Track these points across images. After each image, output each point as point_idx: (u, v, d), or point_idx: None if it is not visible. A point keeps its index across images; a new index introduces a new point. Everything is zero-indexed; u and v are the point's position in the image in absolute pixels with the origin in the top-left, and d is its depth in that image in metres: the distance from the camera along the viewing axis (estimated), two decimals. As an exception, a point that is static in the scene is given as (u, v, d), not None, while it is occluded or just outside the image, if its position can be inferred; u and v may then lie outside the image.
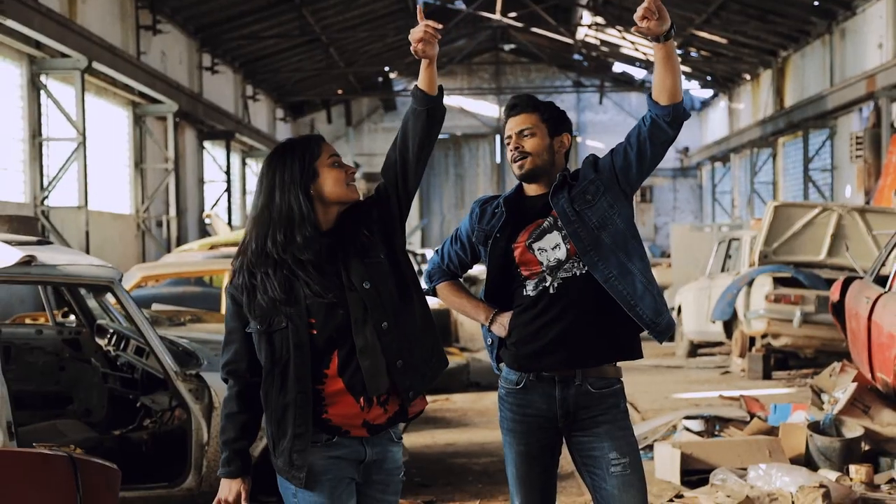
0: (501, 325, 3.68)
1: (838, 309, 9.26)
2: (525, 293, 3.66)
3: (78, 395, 6.98)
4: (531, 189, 3.76)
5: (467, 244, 3.87)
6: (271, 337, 3.18)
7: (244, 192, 27.82)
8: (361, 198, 3.43)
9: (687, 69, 32.50)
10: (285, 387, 3.16)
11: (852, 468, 6.73)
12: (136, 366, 6.53)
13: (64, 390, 6.96)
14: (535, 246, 3.65)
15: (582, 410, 3.60)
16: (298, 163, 3.27)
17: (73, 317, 7.50)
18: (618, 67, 35.55)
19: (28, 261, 5.51)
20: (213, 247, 15.58)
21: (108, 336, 6.89)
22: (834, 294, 9.43)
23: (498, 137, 37.24)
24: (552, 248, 3.63)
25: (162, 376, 6.08)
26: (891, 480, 6.71)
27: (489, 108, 37.28)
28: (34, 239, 6.15)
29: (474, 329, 14.73)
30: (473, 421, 9.75)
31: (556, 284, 3.62)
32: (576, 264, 3.61)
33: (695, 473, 6.66)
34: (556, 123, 3.75)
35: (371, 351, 3.18)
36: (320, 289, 3.17)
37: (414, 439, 8.49)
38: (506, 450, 3.74)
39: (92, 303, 7.46)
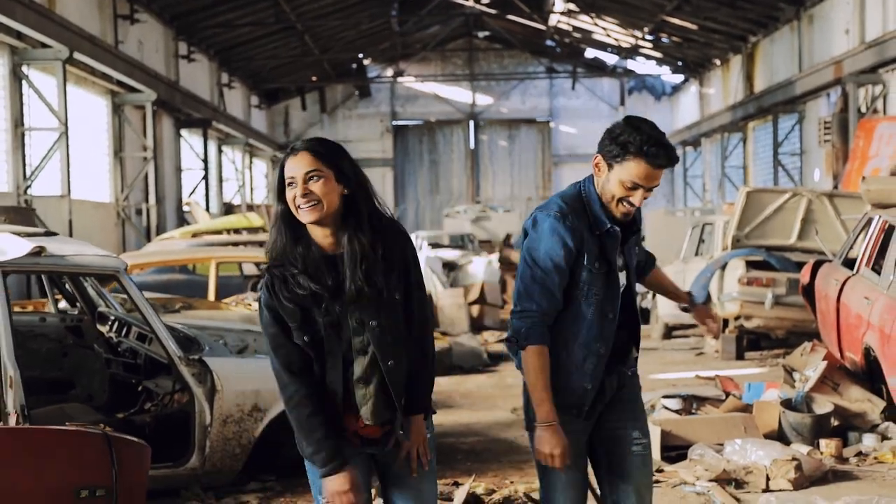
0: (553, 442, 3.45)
1: (808, 291, 9.60)
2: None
3: (80, 381, 7.21)
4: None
5: (567, 269, 3.49)
6: (314, 338, 3.22)
7: (220, 179, 27.95)
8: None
9: (658, 55, 32.91)
10: (326, 387, 3.26)
11: (822, 442, 7.08)
12: (138, 351, 6.78)
13: (67, 376, 7.18)
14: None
15: (616, 391, 3.63)
16: (278, 173, 3.26)
17: (64, 304, 7.71)
18: (590, 53, 35.88)
19: (38, 251, 5.76)
20: (195, 234, 15.79)
21: (110, 323, 7.14)
22: (804, 277, 9.77)
23: (472, 123, 37.50)
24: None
25: (165, 361, 6.34)
26: (859, 453, 7.07)
27: (463, 94, 37.53)
28: (42, 230, 6.39)
29: (453, 314, 15.01)
30: (458, 403, 10.04)
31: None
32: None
33: (674, 449, 6.97)
34: None
35: (372, 385, 3.25)
36: (326, 310, 3.21)
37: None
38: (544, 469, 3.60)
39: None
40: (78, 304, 7.40)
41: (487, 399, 10.23)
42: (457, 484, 6.33)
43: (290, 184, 3.17)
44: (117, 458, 3.75)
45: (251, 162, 32.83)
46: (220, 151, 28.35)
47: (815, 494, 5.94)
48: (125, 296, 6.75)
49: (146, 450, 3.98)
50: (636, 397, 3.70)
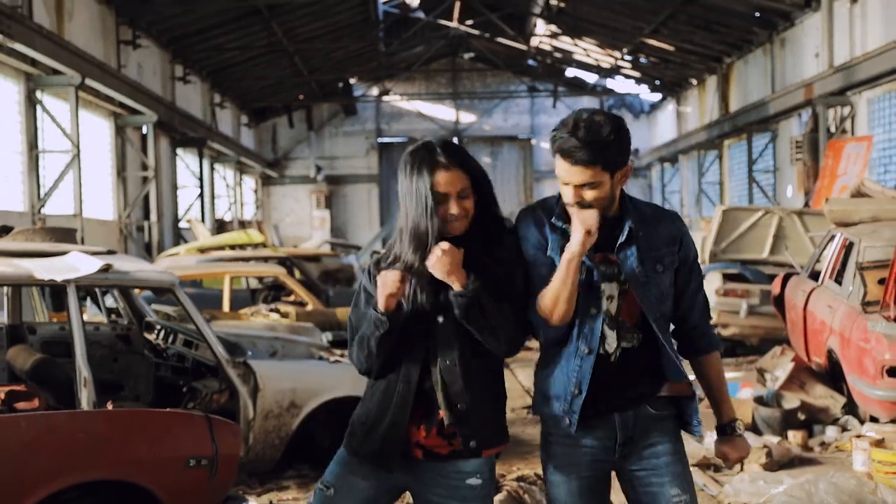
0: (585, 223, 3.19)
1: (779, 301, 10.53)
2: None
3: (128, 383, 8.03)
4: None
5: (545, 260, 3.32)
6: (403, 325, 3.22)
7: (213, 196, 28.73)
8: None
9: (636, 74, 33.92)
10: (398, 376, 3.24)
11: (790, 433, 8.02)
12: (185, 356, 7.61)
13: (117, 378, 8.00)
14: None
15: (641, 435, 3.32)
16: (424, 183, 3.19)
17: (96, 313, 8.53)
18: (570, 72, 36.88)
19: (107, 268, 6.59)
20: (201, 250, 16.59)
21: (156, 331, 7.97)
22: (775, 288, 10.70)
23: (455, 140, 38.39)
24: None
25: (212, 364, 7.18)
26: (822, 443, 8.00)
27: (446, 112, 38.45)
28: (103, 249, 7.21)
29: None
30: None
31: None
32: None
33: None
34: (619, 161, 3.24)
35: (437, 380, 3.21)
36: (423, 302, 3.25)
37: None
38: (553, 491, 3.38)
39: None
40: (127, 315, 8.22)
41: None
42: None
43: (440, 201, 3.18)
44: (216, 435, 4.62)
45: (241, 179, 33.63)
46: (212, 169, 29.13)
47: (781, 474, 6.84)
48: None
49: (237, 428, 4.85)
50: (674, 448, 3.34)
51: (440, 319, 3.20)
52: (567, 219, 3.27)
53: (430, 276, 3.17)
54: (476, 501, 3.18)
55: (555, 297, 3.19)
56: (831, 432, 8.09)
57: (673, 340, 3.37)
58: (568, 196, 3.22)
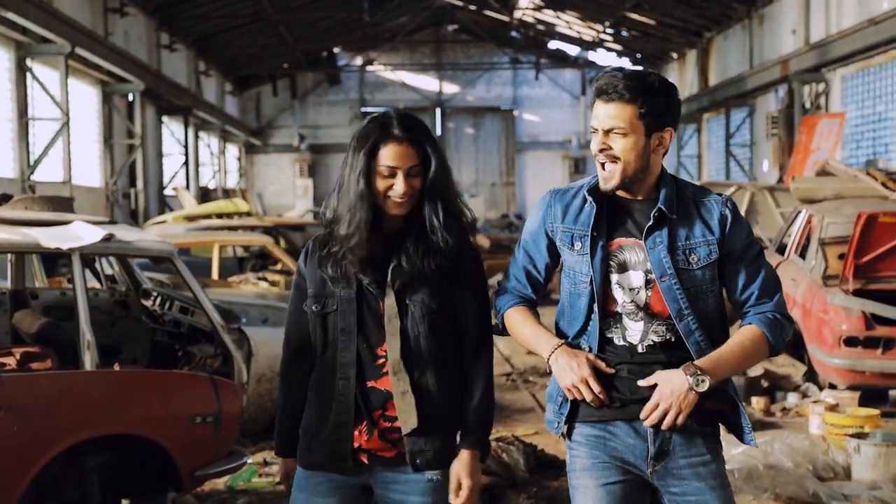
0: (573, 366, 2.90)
1: (748, 274, 10.96)
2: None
3: (126, 347, 8.41)
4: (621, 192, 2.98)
5: (543, 249, 3.06)
6: (325, 319, 2.99)
7: (198, 164, 28.99)
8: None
9: (618, 47, 34.27)
10: (334, 373, 2.97)
11: (754, 399, 8.49)
12: (181, 322, 8.00)
13: (114, 342, 8.38)
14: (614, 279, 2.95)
15: (678, 449, 2.92)
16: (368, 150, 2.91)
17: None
18: (553, 45, 37.19)
19: (110, 237, 6.96)
20: (189, 219, 16.90)
21: (153, 298, 8.35)
22: (745, 261, 11.12)
23: (438, 111, 38.69)
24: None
25: (207, 329, 7.56)
26: (783, 409, 8.47)
27: (430, 83, 38.70)
28: (105, 219, 7.56)
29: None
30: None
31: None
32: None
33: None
34: (660, 118, 2.89)
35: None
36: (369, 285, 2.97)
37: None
38: (576, 496, 2.99)
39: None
40: (125, 282, 8.59)
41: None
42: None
43: (388, 175, 2.90)
44: (220, 394, 5.03)
45: (225, 147, 33.86)
46: (197, 137, 29.37)
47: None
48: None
49: (239, 389, 5.26)
50: (718, 471, 2.94)
51: (396, 321, 2.93)
52: (597, 197, 2.93)
53: (371, 254, 2.93)
54: (438, 493, 2.95)
55: (521, 340, 3.07)
56: (792, 398, 8.56)
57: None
58: (594, 145, 2.89)
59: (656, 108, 2.84)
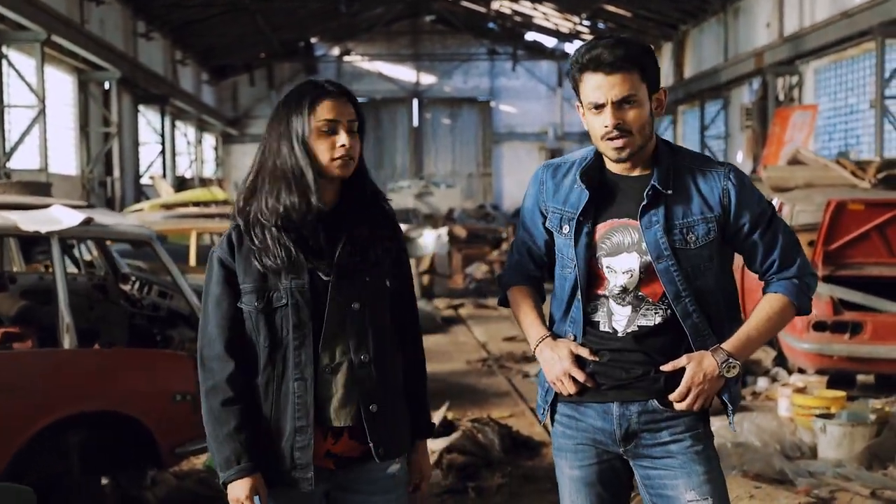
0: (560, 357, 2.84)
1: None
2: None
3: (104, 331, 8.46)
4: (615, 166, 2.83)
5: (539, 226, 2.94)
6: (270, 316, 2.68)
7: (174, 153, 28.94)
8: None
9: (595, 39, 34.40)
10: (286, 374, 2.68)
11: (725, 383, 8.62)
12: (160, 305, 8.06)
13: (93, 326, 8.43)
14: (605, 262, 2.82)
15: (646, 432, 2.83)
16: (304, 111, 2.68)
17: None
18: (530, 36, 37.31)
19: (88, 221, 7.01)
20: (165, 206, 16.93)
21: (132, 282, 8.41)
22: (717, 249, 11.27)
23: (415, 101, 38.74)
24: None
25: (186, 313, 7.63)
26: (754, 392, 8.62)
27: (407, 74, 38.75)
28: (84, 203, 7.62)
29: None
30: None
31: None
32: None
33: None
34: (656, 78, 2.77)
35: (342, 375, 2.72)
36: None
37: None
38: (558, 477, 2.98)
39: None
40: (103, 266, 8.64)
41: (444, 354, 11.66)
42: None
43: (328, 131, 2.67)
44: (201, 373, 5.13)
45: (202, 136, 33.80)
46: (173, 126, 29.31)
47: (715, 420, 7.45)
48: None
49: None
50: (693, 445, 2.81)
51: (355, 306, 2.70)
52: (589, 181, 2.80)
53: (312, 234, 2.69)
54: (399, 489, 2.81)
55: (518, 324, 3.04)
56: (762, 383, 8.71)
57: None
58: (606, 121, 2.70)
59: (652, 69, 2.73)
